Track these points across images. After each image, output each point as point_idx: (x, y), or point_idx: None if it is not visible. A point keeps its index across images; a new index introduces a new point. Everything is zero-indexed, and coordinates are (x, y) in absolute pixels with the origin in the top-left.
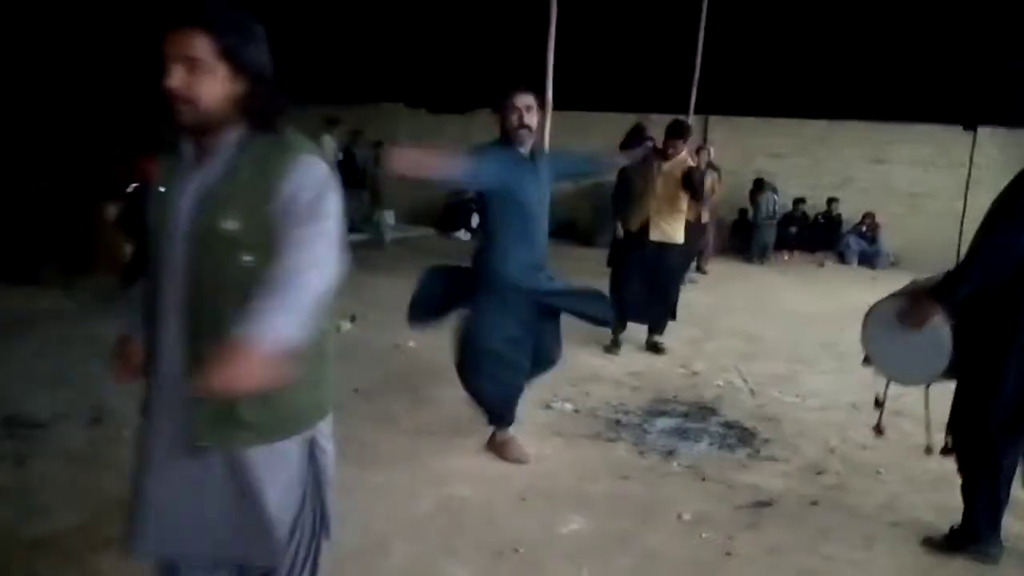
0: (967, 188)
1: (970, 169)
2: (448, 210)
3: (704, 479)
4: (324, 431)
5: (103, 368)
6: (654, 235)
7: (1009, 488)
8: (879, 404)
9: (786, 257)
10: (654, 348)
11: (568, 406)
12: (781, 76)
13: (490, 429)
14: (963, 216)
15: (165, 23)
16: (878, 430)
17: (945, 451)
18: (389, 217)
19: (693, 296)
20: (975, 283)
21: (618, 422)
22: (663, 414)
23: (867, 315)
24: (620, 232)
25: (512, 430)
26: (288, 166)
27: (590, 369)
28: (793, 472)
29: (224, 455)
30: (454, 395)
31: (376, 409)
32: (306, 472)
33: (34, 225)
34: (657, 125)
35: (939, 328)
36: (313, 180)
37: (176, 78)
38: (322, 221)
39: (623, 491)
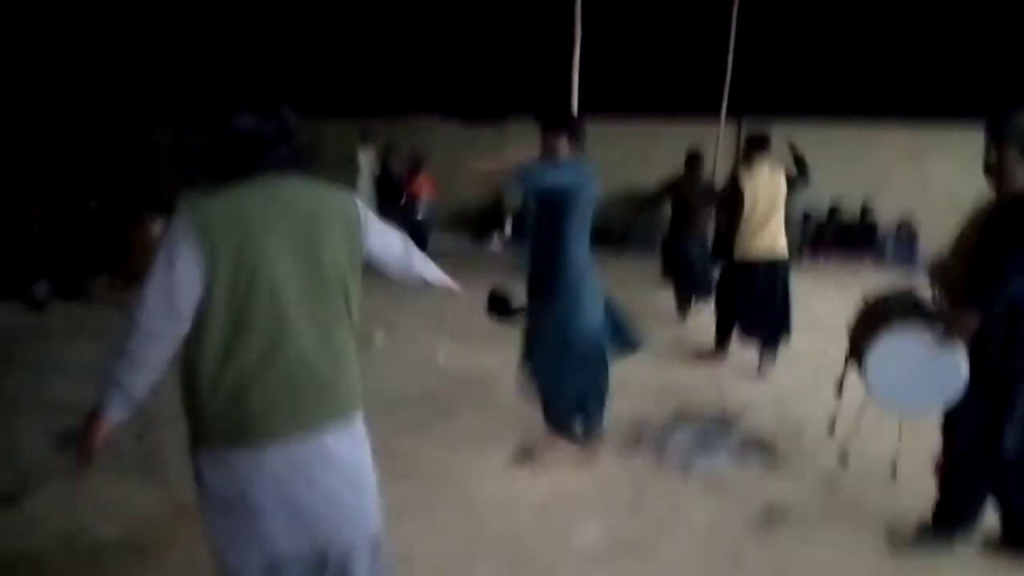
0: None
1: None
2: (482, 217)
3: (719, 490)
4: None
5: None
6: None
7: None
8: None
9: (822, 264)
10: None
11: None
12: (814, 77)
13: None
14: None
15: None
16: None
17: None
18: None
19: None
20: (1009, 297)
21: (639, 433)
22: (685, 425)
23: (874, 346)
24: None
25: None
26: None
27: (617, 378)
28: (808, 485)
29: (344, 428)
30: (481, 409)
31: (405, 421)
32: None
33: (82, 243)
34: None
35: (956, 351)
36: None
37: None
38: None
39: (639, 502)
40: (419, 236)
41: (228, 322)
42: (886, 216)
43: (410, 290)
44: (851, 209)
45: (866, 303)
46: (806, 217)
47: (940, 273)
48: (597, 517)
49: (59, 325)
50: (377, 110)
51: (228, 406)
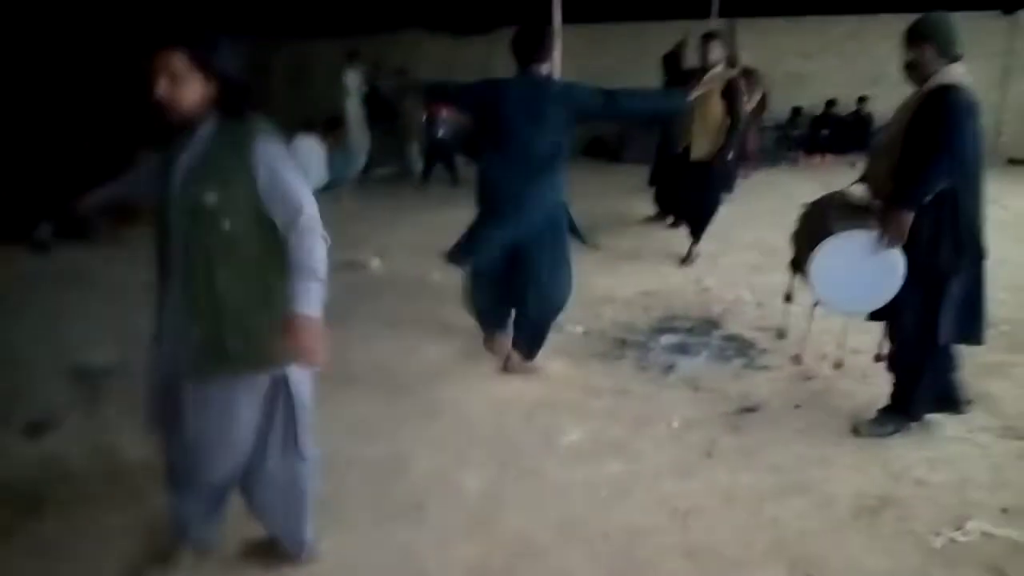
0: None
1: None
2: (473, 136)
3: (698, 389)
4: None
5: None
6: (695, 154)
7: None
8: (788, 299)
9: (817, 161)
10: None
11: (579, 328)
12: None
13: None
14: (1000, 106)
15: (152, 45)
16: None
17: (880, 358)
18: (415, 148)
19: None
20: (935, 190)
21: (624, 341)
22: (668, 330)
23: (815, 255)
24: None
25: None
26: (252, 146)
27: (604, 290)
28: (783, 379)
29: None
30: (474, 324)
31: (402, 341)
32: (278, 401)
33: (79, 184)
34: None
35: (892, 249)
36: (273, 155)
37: (162, 88)
38: (305, 206)
39: (621, 404)
40: (444, 157)
41: None
42: (884, 108)
43: (399, 220)
44: (849, 105)
45: (804, 209)
46: (797, 112)
47: (870, 170)
48: (581, 419)
49: (65, 264)
50: (363, 28)
51: None
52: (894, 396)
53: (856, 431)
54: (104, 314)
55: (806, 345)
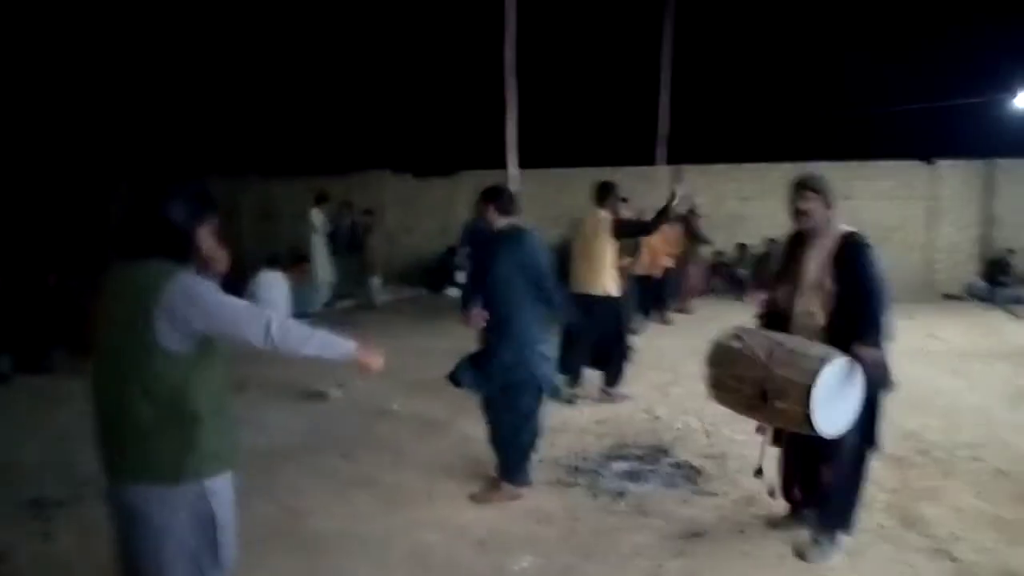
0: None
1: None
2: (434, 270)
3: (647, 515)
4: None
5: None
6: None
7: None
8: (760, 473)
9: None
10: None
11: (534, 456)
12: (745, 125)
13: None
14: (932, 246)
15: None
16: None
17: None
18: (376, 282)
19: (667, 341)
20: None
21: (577, 468)
22: (620, 458)
23: (815, 385)
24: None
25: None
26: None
27: (559, 419)
28: (728, 505)
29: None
30: (433, 452)
31: (360, 471)
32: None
33: (44, 318)
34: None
35: (856, 371)
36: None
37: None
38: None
39: (573, 530)
40: None
41: None
42: None
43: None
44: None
45: (729, 350)
46: (743, 248)
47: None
48: (533, 547)
49: (24, 397)
50: (329, 168)
51: None
52: (831, 512)
53: (800, 556)
54: (62, 447)
55: (771, 476)
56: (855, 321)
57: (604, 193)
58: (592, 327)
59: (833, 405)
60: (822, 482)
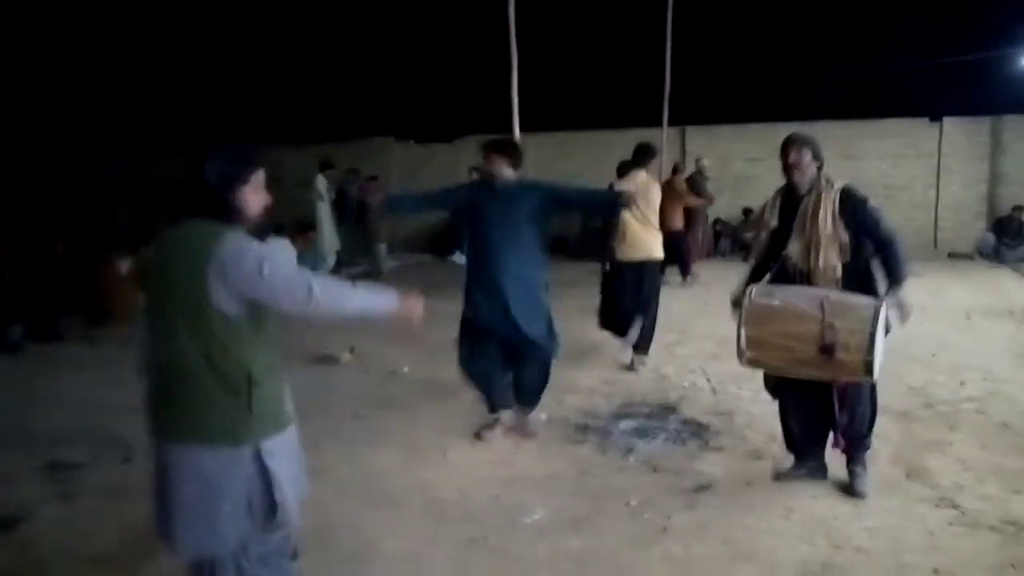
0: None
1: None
2: (442, 234)
3: (655, 470)
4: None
5: (129, 411)
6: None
7: None
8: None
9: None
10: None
11: (543, 415)
12: (751, 84)
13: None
14: (936, 204)
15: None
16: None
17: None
18: (382, 249)
19: (674, 303)
20: None
21: (586, 426)
22: (628, 416)
23: (875, 328)
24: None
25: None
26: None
27: (567, 379)
28: (735, 459)
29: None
30: (446, 413)
31: (373, 431)
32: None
33: (53, 286)
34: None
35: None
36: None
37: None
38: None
39: (582, 484)
40: None
41: None
42: None
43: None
44: None
45: (769, 308)
46: (748, 212)
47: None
48: (545, 499)
49: (37, 364)
50: (333, 135)
51: None
52: (860, 445)
53: (850, 492)
54: (77, 412)
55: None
56: (869, 269)
57: (644, 155)
58: (636, 290)
59: (880, 350)
60: (853, 419)
